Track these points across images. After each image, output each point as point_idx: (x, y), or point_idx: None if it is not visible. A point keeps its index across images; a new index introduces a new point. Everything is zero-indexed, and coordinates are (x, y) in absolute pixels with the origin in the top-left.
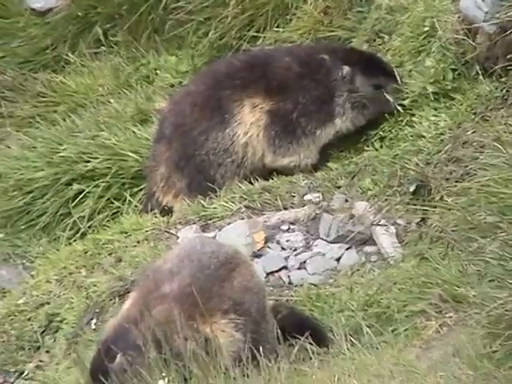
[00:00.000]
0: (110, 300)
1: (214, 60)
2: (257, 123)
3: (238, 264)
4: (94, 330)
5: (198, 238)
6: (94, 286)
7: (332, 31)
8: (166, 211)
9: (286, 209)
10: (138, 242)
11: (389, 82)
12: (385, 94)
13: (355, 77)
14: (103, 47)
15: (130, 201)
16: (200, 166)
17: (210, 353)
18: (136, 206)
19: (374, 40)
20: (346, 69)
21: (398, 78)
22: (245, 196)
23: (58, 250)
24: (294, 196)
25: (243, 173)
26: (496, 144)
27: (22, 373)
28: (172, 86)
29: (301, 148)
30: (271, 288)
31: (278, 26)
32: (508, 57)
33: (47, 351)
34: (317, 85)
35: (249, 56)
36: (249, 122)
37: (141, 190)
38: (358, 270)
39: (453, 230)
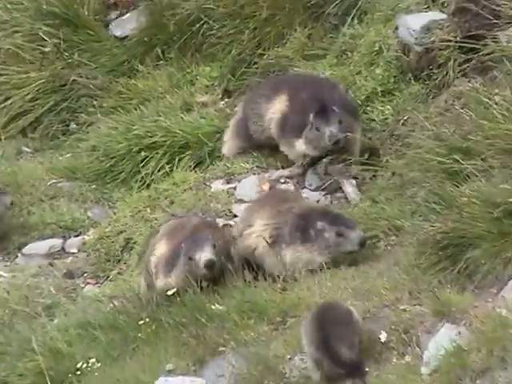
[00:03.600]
0: None
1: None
2: None
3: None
4: None
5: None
6: (155, 219)
7: (313, 50)
8: None
9: (283, 168)
10: (185, 190)
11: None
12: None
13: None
14: (161, 61)
15: (178, 163)
16: None
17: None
18: (183, 167)
19: (342, 56)
20: None
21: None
22: (256, 159)
23: (131, 195)
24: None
25: None
26: (424, 124)
27: (108, 277)
28: (207, 86)
29: None
30: None
31: (277, 47)
32: (430, 67)
33: (125, 263)
34: None
35: None
36: None
37: (186, 156)
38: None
39: (393, 183)
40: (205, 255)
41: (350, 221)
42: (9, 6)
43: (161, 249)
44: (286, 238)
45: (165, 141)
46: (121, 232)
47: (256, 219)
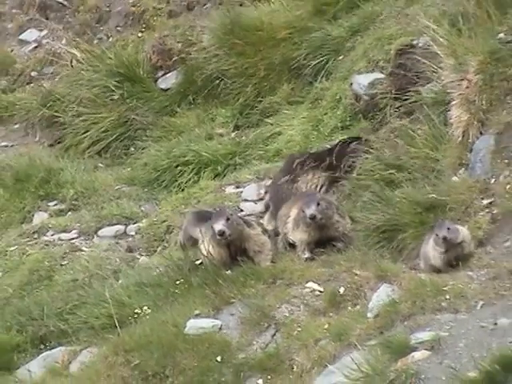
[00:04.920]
0: None
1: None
2: None
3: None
4: None
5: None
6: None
7: (295, 98)
8: None
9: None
10: (208, 193)
11: None
12: None
13: None
14: (192, 105)
15: (203, 174)
16: None
17: None
18: (206, 177)
19: (314, 102)
20: None
21: None
22: (257, 173)
23: (171, 196)
24: None
25: None
26: (369, 149)
27: (155, 251)
28: (223, 122)
29: None
30: None
31: (271, 96)
32: (374, 110)
33: (166, 242)
34: None
35: None
36: None
37: (208, 170)
38: None
39: (350, 187)
40: (217, 225)
41: (311, 200)
42: (90, 67)
43: None
44: None
45: (194, 159)
46: (164, 221)
47: None
